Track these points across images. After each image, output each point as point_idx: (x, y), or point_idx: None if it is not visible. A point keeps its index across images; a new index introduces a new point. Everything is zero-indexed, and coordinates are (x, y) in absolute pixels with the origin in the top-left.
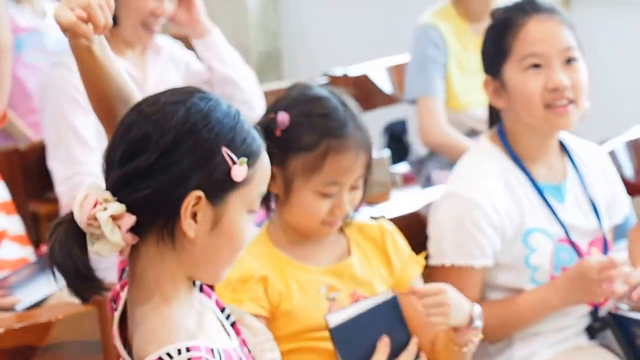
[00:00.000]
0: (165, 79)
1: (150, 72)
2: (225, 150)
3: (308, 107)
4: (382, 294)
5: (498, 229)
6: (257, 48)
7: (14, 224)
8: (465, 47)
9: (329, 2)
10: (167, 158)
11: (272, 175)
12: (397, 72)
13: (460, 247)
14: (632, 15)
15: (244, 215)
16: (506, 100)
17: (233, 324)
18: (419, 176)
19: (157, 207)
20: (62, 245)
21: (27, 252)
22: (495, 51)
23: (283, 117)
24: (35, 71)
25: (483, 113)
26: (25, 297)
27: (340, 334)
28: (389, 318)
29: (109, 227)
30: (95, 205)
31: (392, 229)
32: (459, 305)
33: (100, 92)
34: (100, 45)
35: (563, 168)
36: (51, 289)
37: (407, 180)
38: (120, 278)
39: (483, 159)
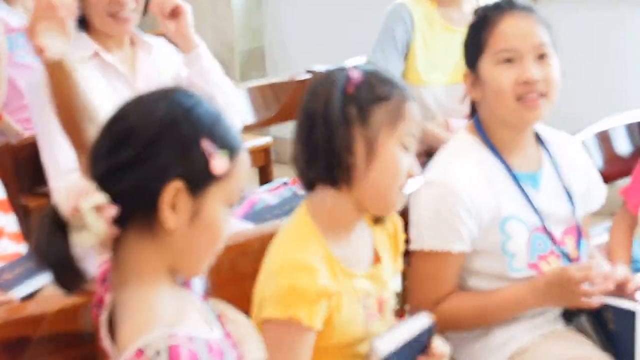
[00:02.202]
0: (156, 77)
1: (139, 69)
2: (205, 144)
3: (370, 68)
4: (419, 318)
5: (475, 216)
6: (241, 46)
7: (11, 222)
8: (432, 28)
9: (310, 1)
10: (148, 150)
11: (350, 142)
12: None
13: (439, 232)
14: (595, 11)
15: (222, 208)
16: (481, 92)
17: (218, 318)
18: None
19: (139, 198)
20: (46, 235)
21: (21, 249)
22: (473, 45)
23: (355, 73)
24: (26, 70)
25: (442, 91)
26: (19, 291)
27: None
28: (422, 341)
29: (92, 217)
30: (79, 196)
31: (399, 220)
32: None
33: (69, 108)
34: (71, 62)
35: (539, 157)
36: (43, 281)
37: None
38: (103, 283)
39: (461, 149)
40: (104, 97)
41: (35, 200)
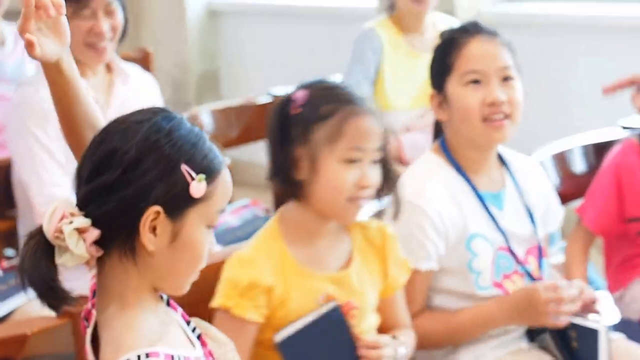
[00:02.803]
0: (129, 107)
1: (113, 98)
2: (184, 167)
3: (322, 84)
4: (325, 306)
5: (442, 234)
6: (196, 68)
7: None
8: (398, 54)
9: (265, 24)
10: (130, 173)
11: (295, 160)
12: None
13: (407, 250)
14: (552, 37)
15: (202, 230)
16: (448, 113)
17: (199, 336)
18: None
19: (120, 222)
20: (32, 257)
21: None
22: (440, 67)
23: (300, 94)
24: None
25: (407, 116)
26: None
27: (287, 349)
28: (334, 327)
29: (73, 240)
30: (62, 219)
31: (393, 234)
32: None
33: (70, 115)
34: (70, 67)
35: (502, 178)
36: (19, 301)
37: None
38: (92, 298)
39: (428, 169)
40: None
41: (3, 224)
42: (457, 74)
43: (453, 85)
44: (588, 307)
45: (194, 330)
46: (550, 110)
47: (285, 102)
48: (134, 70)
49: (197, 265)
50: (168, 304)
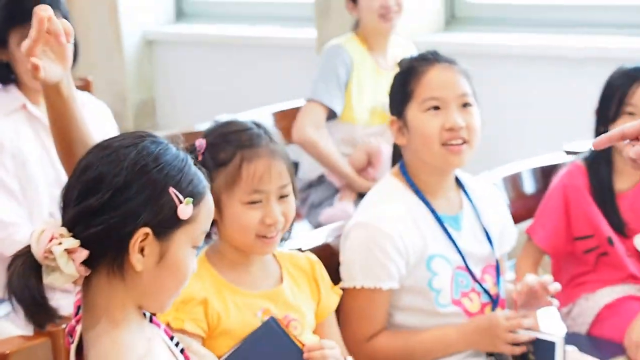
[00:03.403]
0: None
1: None
2: (172, 191)
3: (223, 129)
4: (264, 322)
5: (403, 255)
6: (133, 97)
7: None
8: (364, 70)
9: (200, 53)
10: (119, 196)
11: None
12: (281, 119)
13: (369, 271)
14: (507, 67)
15: (188, 250)
16: (407, 138)
17: (182, 351)
18: (303, 205)
19: (108, 242)
20: (20, 276)
21: None
22: (400, 94)
23: (200, 142)
24: None
25: (370, 130)
26: None
27: None
28: (276, 339)
29: (63, 260)
30: (51, 240)
31: (317, 260)
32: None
33: (65, 134)
34: (68, 89)
35: (459, 200)
36: None
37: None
38: (76, 314)
39: (388, 192)
40: (31, 147)
41: None
42: (417, 100)
43: (413, 112)
44: (540, 295)
45: (177, 344)
46: (500, 136)
47: (190, 150)
48: (87, 97)
49: (181, 284)
50: (151, 320)
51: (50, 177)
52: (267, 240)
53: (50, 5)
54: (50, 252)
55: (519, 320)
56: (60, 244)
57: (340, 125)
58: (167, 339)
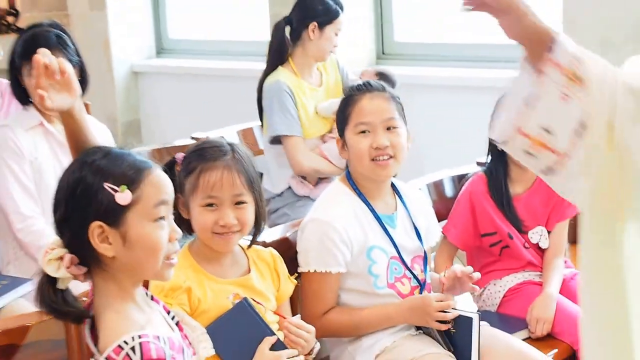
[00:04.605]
0: None
1: None
2: (106, 185)
3: (197, 146)
4: (236, 303)
5: (348, 245)
6: (122, 118)
7: None
8: (303, 94)
9: (177, 82)
10: (70, 204)
11: (180, 205)
12: (245, 135)
13: (321, 257)
14: (428, 94)
15: (149, 224)
16: (348, 153)
17: (177, 324)
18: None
19: (78, 242)
20: (40, 290)
21: None
22: (341, 118)
23: (179, 155)
24: None
25: (319, 141)
26: None
27: (212, 338)
28: (246, 317)
29: (52, 268)
30: (45, 254)
31: (278, 256)
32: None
33: (79, 146)
34: (79, 113)
35: (395, 203)
36: (11, 299)
37: None
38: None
39: (336, 194)
40: (46, 158)
41: None
42: (351, 124)
43: (349, 133)
44: (464, 282)
45: (172, 318)
46: (425, 150)
47: (172, 162)
48: (91, 119)
49: (157, 252)
50: (152, 298)
51: None
52: (223, 238)
53: (58, 45)
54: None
55: (448, 302)
56: (47, 254)
57: (307, 143)
58: (164, 313)
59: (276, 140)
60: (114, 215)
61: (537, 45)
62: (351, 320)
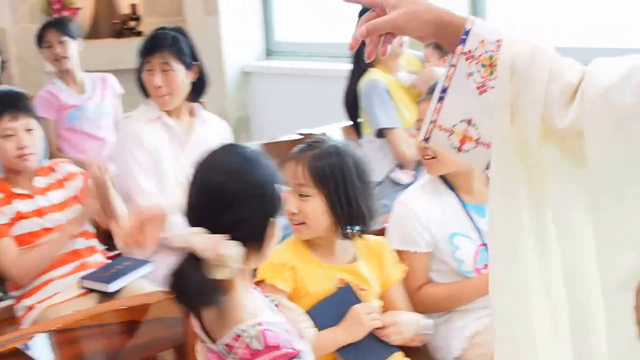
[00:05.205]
0: (203, 142)
1: (193, 134)
2: (276, 186)
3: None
4: (340, 287)
5: (426, 228)
6: (233, 115)
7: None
8: (395, 89)
9: (283, 82)
10: (254, 205)
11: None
12: (347, 132)
13: (401, 237)
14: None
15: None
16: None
17: (276, 306)
18: None
19: (253, 237)
20: (184, 272)
21: (93, 242)
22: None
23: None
24: (79, 135)
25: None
26: (116, 284)
27: (315, 318)
28: (348, 300)
29: (232, 260)
30: (216, 245)
31: (385, 244)
32: (408, 322)
33: (107, 202)
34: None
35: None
36: (129, 280)
37: None
38: None
39: (425, 182)
40: (165, 149)
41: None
42: None
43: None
44: None
45: (272, 301)
46: None
47: None
48: (211, 116)
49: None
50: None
51: (180, 177)
52: (294, 227)
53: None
54: (221, 254)
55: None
56: (227, 247)
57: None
58: (263, 297)
59: (379, 133)
60: (278, 211)
61: (449, 39)
62: (447, 291)
